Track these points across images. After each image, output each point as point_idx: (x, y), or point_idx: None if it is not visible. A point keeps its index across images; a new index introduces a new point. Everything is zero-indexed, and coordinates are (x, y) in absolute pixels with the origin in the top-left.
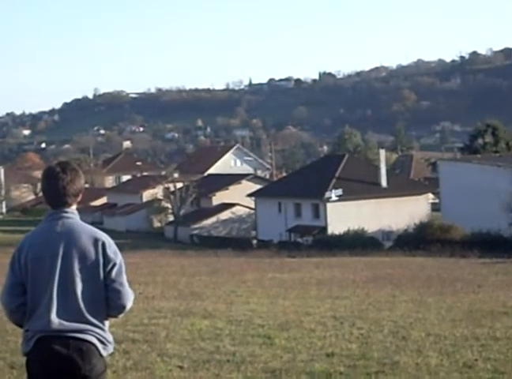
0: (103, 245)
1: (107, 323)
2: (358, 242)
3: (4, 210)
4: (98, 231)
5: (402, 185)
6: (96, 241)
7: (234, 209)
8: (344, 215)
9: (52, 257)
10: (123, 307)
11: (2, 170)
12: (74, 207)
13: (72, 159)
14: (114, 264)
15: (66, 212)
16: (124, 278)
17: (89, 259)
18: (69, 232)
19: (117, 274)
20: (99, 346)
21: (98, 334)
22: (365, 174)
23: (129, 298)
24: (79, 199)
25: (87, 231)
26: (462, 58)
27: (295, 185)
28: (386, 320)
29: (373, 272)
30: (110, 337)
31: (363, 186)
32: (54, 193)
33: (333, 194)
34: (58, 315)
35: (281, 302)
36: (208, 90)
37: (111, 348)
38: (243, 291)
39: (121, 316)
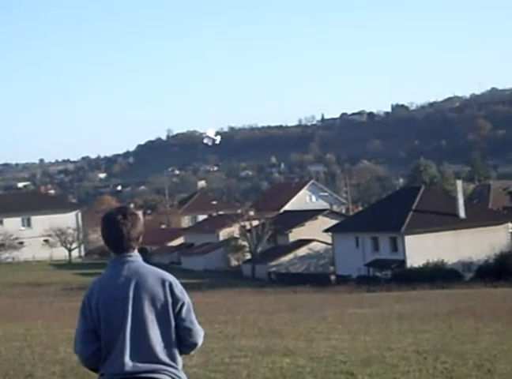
0: (171, 285)
1: (179, 361)
2: (438, 275)
3: (82, 253)
4: (163, 272)
5: (481, 215)
6: (163, 282)
7: (311, 245)
8: (422, 248)
9: (123, 301)
10: (195, 345)
11: (80, 214)
12: (136, 250)
13: (148, 200)
14: (183, 303)
15: (130, 256)
16: (193, 316)
17: (159, 300)
18: (136, 275)
19: (186, 313)
20: None
21: (172, 373)
22: (442, 205)
23: (201, 335)
24: (140, 241)
25: (153, 273)
26: None
27: (371, 219)
28: (470, 353)
29: (454, 305)
30: (183, 376)
31: (441, 218)
32: (118, 239)
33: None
34: (132, 357)
35: (362, 337)
36: (280, 127)
37: None
38: (324, 328)
39: (192, 353)
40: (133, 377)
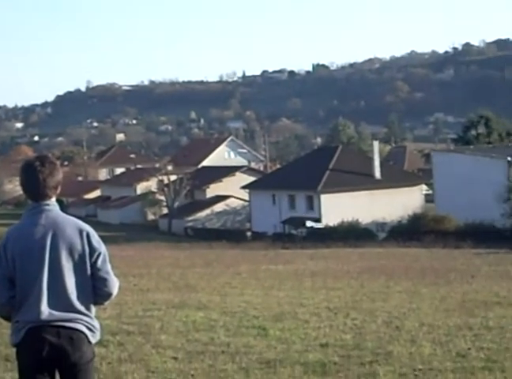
0: (88, 235)
1: (93, 310)
2: (352, 234)
3: None
4: (81, 222)
5: (396, 176)
6: (80, 231)
7: (228, 201)
8: (338, 207)
9: (40, 250)
10: (110, 294)
11: None
12: (54, 199)
13: (65, 151)
14: (100, 254)
15: (48, 205)
16: (109, 266)
17: (76, 249)
18: (54, 224)
19: (102, 263)
20: (88, 333)
21: (86, 322)
22: (359, 165)
23: (115, 286)
24: (58, 191)
25: (71, 222)
26: (455, 49)
27: (289, 177)
28: (380, 310)
29: (367, 263)
30: (97, 324)
31: (356, 178)
32: (35, 187)
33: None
34: (48, 305)
35: (276, 293)
36: (201, 82)
37: (98, 335)
38: (238, 283)
39: (107, 303)
40: (49, 325)
